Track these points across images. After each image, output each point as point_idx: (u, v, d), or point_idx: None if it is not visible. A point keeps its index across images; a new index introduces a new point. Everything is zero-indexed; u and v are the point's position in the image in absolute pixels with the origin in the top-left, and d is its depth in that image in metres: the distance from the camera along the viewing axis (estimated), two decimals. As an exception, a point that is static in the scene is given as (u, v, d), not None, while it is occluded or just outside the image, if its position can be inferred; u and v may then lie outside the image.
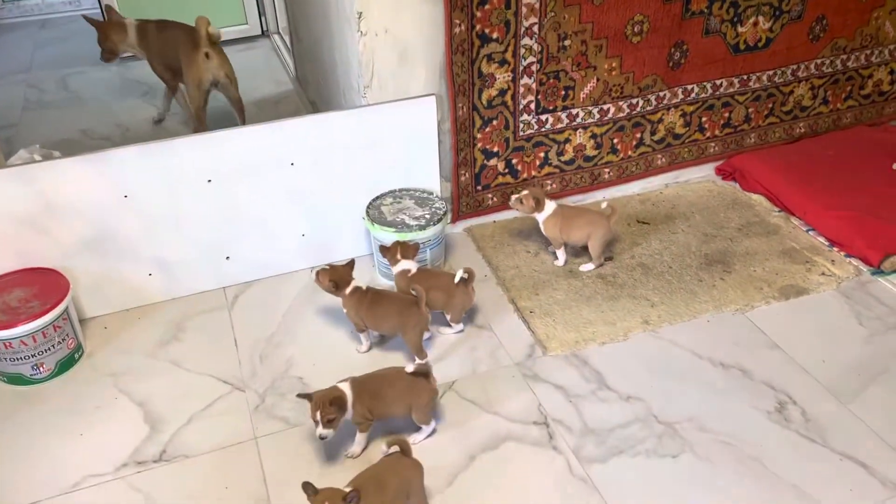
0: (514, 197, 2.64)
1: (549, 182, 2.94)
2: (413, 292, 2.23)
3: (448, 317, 2.38)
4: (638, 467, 1.96)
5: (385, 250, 2.41)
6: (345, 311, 2.29)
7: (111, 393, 2.23)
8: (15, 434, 2.11)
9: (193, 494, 1.92)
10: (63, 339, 2.27)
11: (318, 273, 2.27)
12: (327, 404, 1.86)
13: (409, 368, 1.96)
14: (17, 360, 2.21)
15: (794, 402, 2.12)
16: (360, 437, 2.00)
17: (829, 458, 1.97)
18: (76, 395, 2.22)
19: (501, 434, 2.06)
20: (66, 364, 2.30)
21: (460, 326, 2.41)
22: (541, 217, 2.64)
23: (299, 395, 1.91)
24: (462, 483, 1.92)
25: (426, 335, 2.31)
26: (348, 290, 2.26)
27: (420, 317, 2.22)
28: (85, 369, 2.32)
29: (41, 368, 2.25)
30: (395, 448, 1.80)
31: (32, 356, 2.21)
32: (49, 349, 2.24)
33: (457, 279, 2.30)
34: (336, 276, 2.25)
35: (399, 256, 2.39)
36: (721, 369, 2.25)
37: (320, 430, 1.87)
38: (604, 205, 2.68)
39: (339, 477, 1.90)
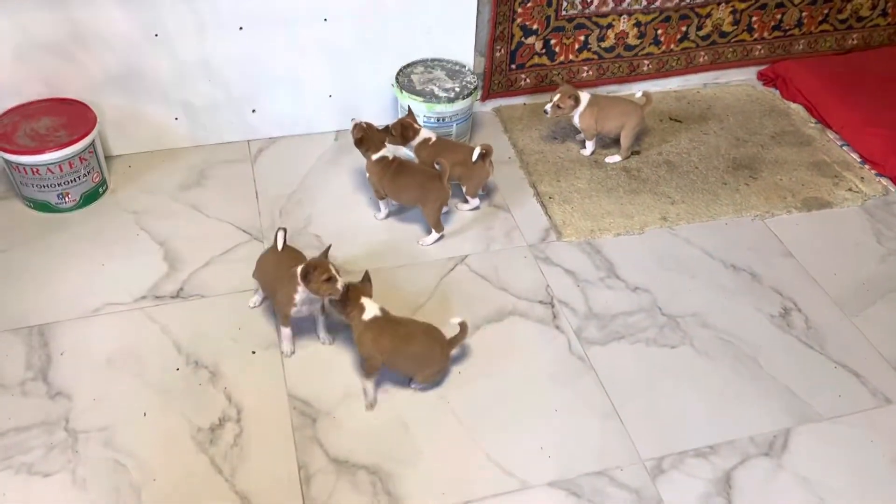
0: (548, 106, 2.52)
1: (585, 68, 2.87)
2: (436, 166, 2.22)
3: (464, 189, 2.39)
4: (635, 353, 2.01)
5: (401, 132, 2.32)
6: (367, 175, 2.30)
7: (133, 229, 2.28)
8: (40, 257, 2.18)
9: (207, 331, 2.00)
10: (89, 172, 2.31)
11: (355, 126, 2.24)
12: (325, 258, 1.83)
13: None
14: (44, 187, 2.25)
15: (798, 310, 2.15)
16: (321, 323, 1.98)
17: (824, 365, 2.01)
18: (99, 228, 2.28)
19: (507, 309, 2.11)
20: (90, 197, 2.35)
21: (476, 202, 2.42)
22: (577, 111, 2.58)
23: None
24: (464, 349, 1.99)
25: (444, 209, 2.32)
26: (375, 157, 2.26)
27: (441, 191, 2.23)
28: (108, 204, 2.37)
29: (67, 198, 2.29)
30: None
31: (58, 185, 2.25)
32: (75, 180, 2.27)
33: (474, 157, 2.28)
34: (368, 135, 2.23)
35: (417, 126, 2.36)
36: (732, 271, 2.26)
37: (340, 283, 1.79)
38: (638, 94, 2.62)
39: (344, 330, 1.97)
